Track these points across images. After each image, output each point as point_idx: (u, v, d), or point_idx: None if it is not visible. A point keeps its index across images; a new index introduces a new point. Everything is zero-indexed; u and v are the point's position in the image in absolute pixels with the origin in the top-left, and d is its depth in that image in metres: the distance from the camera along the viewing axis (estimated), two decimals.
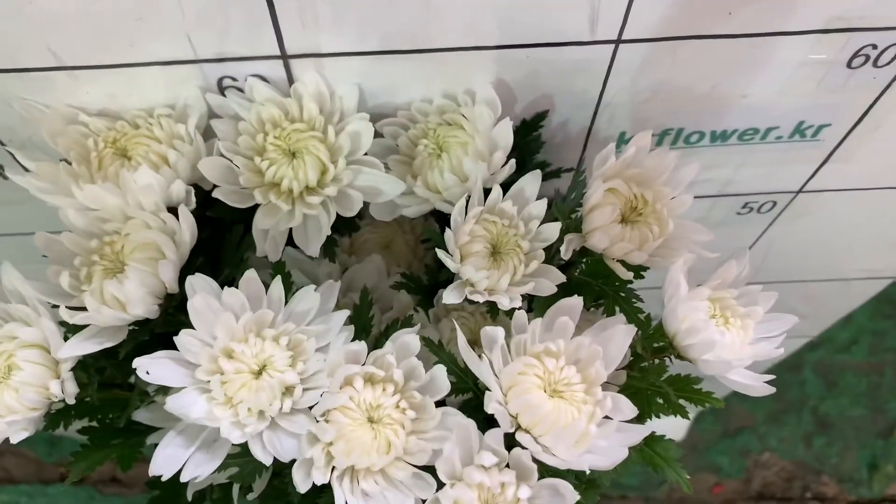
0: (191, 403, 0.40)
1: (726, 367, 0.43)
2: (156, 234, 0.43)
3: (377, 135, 0.47)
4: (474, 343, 0.46)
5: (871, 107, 0.52)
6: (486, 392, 0.40)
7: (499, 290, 0.44)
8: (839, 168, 0.59)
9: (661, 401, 0.47)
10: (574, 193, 0.49)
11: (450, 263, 0.44)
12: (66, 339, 0.42)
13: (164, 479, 0.42)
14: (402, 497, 0.40)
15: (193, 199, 0.45)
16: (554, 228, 0.45)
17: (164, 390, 0.45)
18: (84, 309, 0.41)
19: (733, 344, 0.44)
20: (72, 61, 0.43)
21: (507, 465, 0.40)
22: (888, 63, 0.48)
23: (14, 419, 0.41)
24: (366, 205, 0.46)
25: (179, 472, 0.42)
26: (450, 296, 0.43)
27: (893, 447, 1.40)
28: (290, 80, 0.46)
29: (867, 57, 0.47)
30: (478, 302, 0.44)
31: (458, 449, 0.40)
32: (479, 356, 0.41)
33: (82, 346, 0.42)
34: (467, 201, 0.44)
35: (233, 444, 0.41)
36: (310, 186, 0.45)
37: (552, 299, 0.43)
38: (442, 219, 0.51)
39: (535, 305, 0.46)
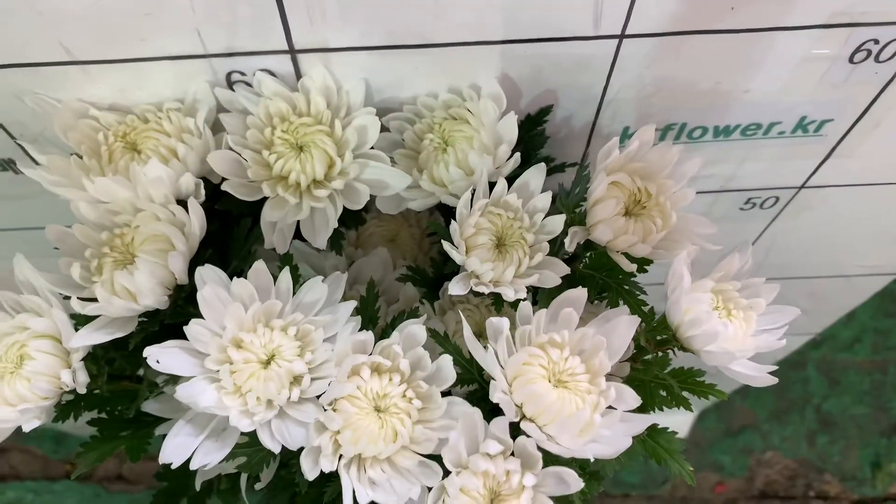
0: (200, 392, 0.41)
1: (729, 359, 0.43)
2: (165, 226, 0.43)
3: (383, 129, 0.48)
4: (479, 335, 0.46)
5: (873, 102, 0.52)
6: (492, 382, 0.41)
7: (504, 281, 0.44)
8: (842, 163, 0.59)
9: (664, 393, 0.47)
10: (578, 187, 0.49)
11: (455, 255, 0.44)
12: (76, 330, 0.43)
13: (173, 467, 0.42)
14: (409, 485, 0.41)
15: (202, 191, 0.46)
16: (558, 221, 0.45)
17: (174, 381, 0.46)
18: (95, 300, 0.42)
19: (736, 335, 0.44)
20: (83, 56, 0.43)
21: (512, 454, 0.41)
22: (890, 58, 0.48)
23: (26, 407, 0.42)
24: (372, 198, 0.47)
25: (188, 462, 0.43)
26: (455, 287, 0.44)
27: None
28: (298, 75, 0.46)
29: (869, 52, 0.47)
30: (483, 294, 0.44)
31: (463, 437, 0.40)
32: (485, 347, 0.41)
33: (93, 336, 0.42)
34: (472, 194, 0.45)
35: (241, 433, 0.42)
36: (317, 180, 0.46)
37: (556, 291, 0.44)
38: (447, 212, 0.51)
39: (540, 297, 0.46)
